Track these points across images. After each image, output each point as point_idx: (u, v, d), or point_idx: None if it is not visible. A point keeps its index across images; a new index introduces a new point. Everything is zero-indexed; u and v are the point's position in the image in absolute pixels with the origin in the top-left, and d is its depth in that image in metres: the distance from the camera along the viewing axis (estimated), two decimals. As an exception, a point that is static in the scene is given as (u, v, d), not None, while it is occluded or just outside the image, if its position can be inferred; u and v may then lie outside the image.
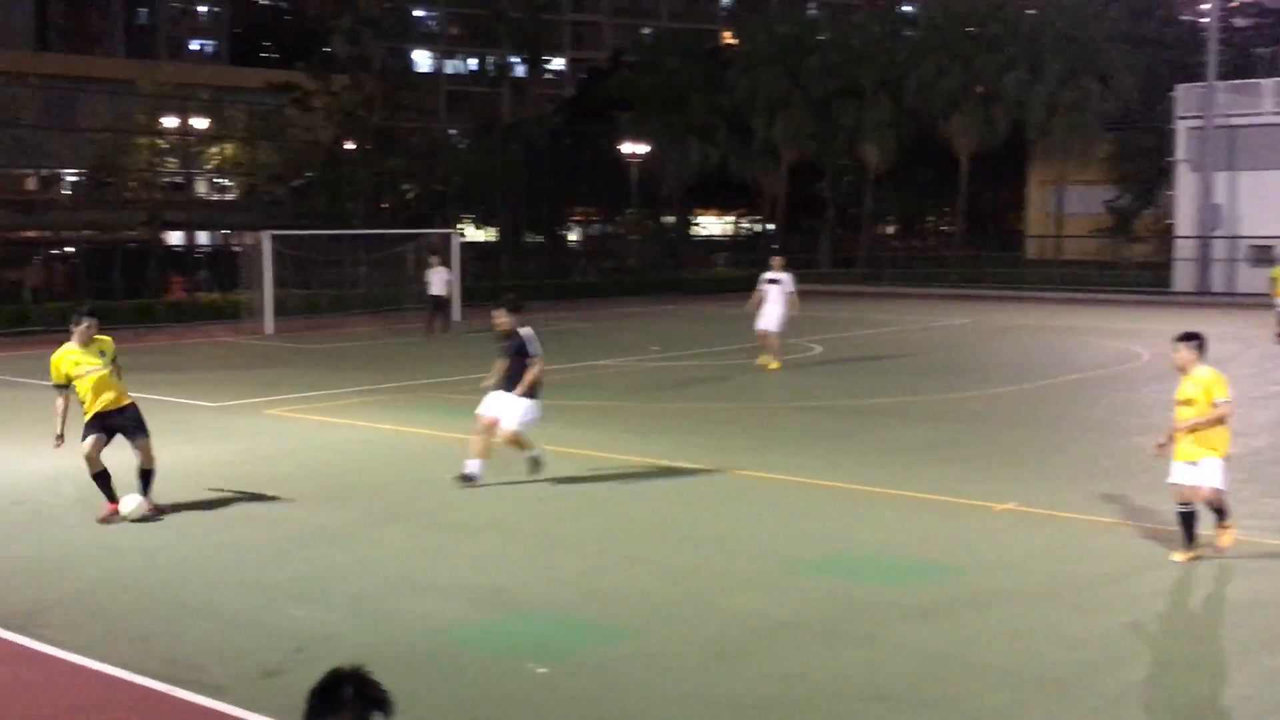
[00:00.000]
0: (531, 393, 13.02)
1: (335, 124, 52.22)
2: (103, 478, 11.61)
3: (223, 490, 12.98)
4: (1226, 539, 10.18)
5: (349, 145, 52.84)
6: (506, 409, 12.97)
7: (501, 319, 13.20)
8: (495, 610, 9.08)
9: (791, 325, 24.25)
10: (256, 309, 34.45)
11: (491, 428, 13.06)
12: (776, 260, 24.01)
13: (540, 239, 62.37)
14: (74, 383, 11.60)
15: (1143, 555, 10.45)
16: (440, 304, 31.68)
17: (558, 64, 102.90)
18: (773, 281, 23.49)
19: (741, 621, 8.73)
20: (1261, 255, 47.64)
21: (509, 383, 13.03)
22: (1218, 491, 9.95)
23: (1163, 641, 8.45)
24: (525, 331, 13.16)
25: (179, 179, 61.44)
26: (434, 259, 32.59)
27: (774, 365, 23.16)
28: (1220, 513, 10.15)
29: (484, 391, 13.39)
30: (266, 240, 34.31)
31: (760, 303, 23.48)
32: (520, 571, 10.03)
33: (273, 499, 12.64)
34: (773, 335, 23.36)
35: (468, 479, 13.00)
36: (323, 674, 3.52)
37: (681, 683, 7.64)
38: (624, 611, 9.02)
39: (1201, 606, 9.06)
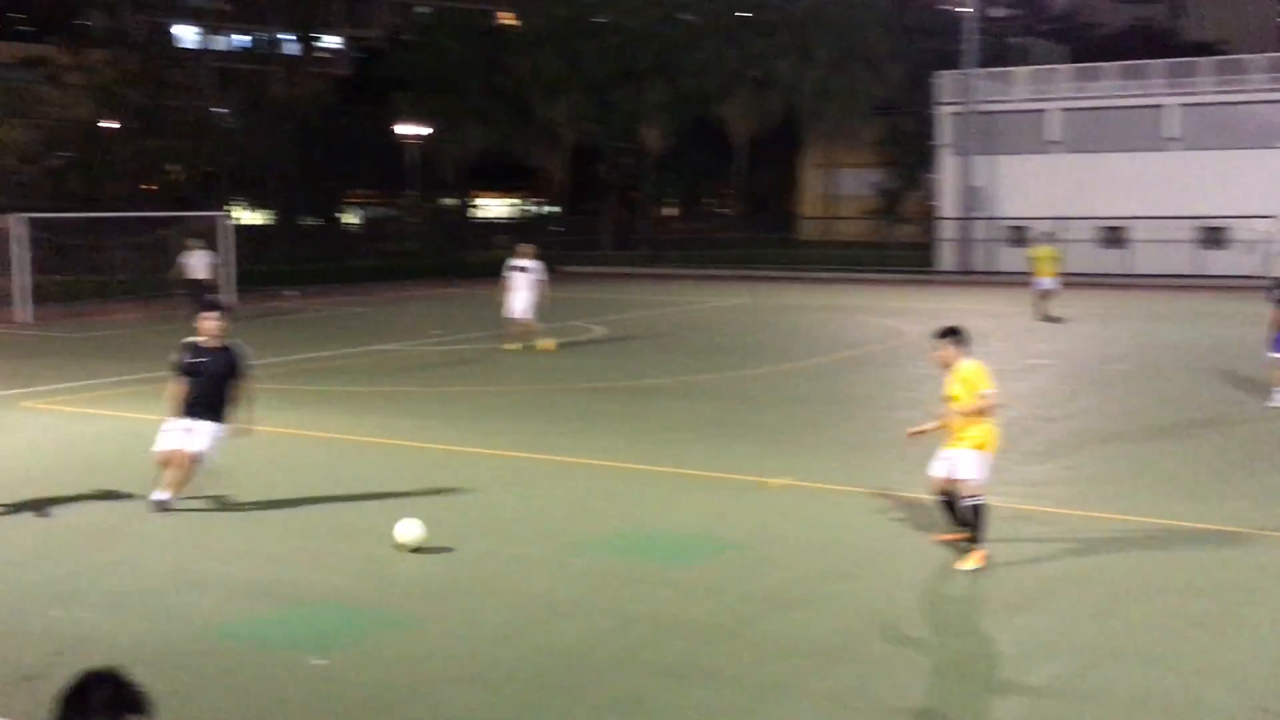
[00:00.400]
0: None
1: (93, 101, 49.73)
2: None
3: (-26, 488, 12.25)
4: (969, 562, 9.42)
5: (109, 124, 50.41)
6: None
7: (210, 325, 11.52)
8: (271, 603, 8.85)
9: (551, 310, 24.48)
10: (12, 297, 32.60)
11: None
12: (524, 248, 24.23)
13: (317, 222, 60.84)
14: None
15: (909, 526, 10.90)
16: (204, 288, 30.50)
17: (332, 42, 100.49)
18: (520, 269, 23.67)
19: (524, 603, 8.74)
20: (1019, 236, 50.24)
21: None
22: (968, 484, 9.52)
23: (926, 606, 8.83)
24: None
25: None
26: (193, 241, 31.34)
27: (548, 346, 23.32)
28: (968, 525, 9.59)
29: None
30: (18, 224, 32.48)
31: (507, 290, 23.63)
32: (297, 562, 9.80)
33: (32, 496, 11.99)
34: (520, 322, 23.50)
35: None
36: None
37: (463, 667, 7.60)
38: (405, 599, 8.91)
39: (958, 570, 9.49)
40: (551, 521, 11.07)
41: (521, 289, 23.59)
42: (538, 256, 24.15)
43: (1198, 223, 46.04)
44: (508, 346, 23.50)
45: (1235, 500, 11.73)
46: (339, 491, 12.25)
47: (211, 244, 32.31)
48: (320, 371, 21.15)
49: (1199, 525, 10.77)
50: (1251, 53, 55.53)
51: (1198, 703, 6.99)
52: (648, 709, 7.02)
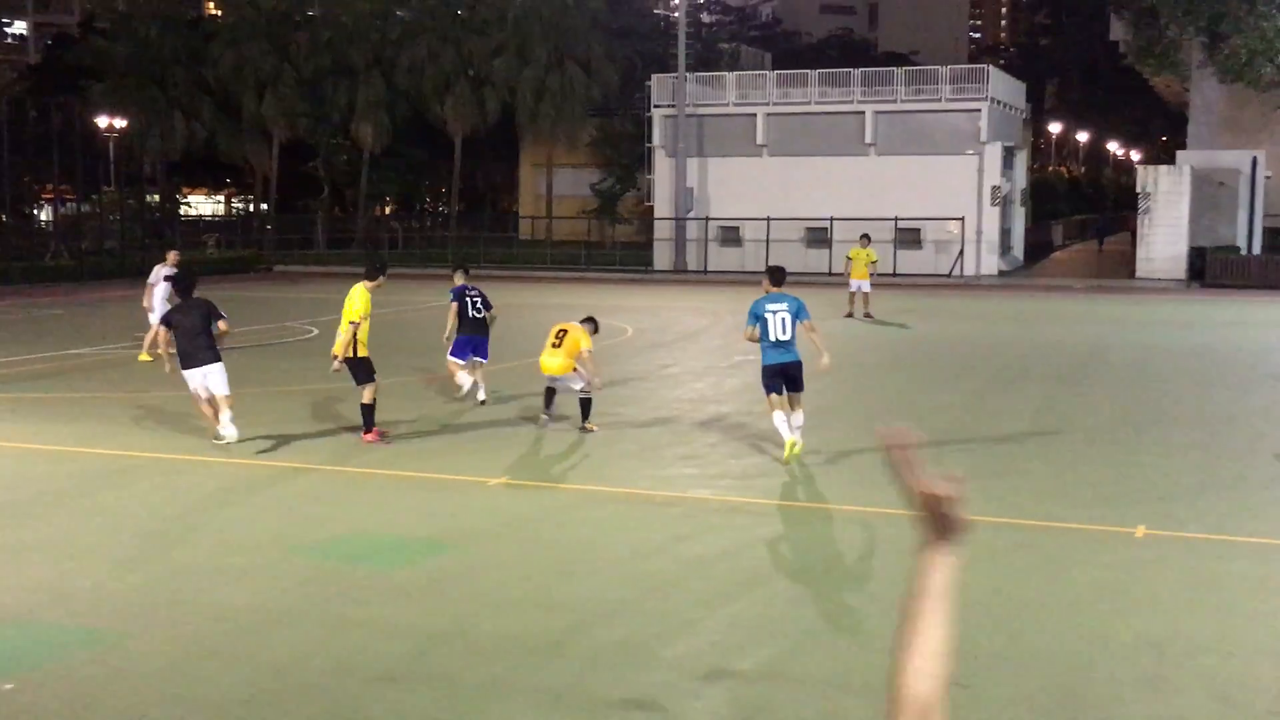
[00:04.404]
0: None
1: None
2: None
3: None
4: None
5: None
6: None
7: None
8: (-48, 627, 8.26)
9: (266, 309, 23.70)
10: None
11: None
12: (173, 254, 23.31)
13: (4, 218, 56.95)
14: None
15: (621, 518, 11.13)
16: None
17: (19, 28, 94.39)
18: (169, 278, 22.18)
19: (233, 615, 8.46)
20: (733, 236, 51.84)
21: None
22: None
23: (641, 599, 9.02)
24: None
25: None
26: None
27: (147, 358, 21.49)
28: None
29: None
30: None
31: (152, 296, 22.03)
32: (-18, 582, 9.18)
33: None
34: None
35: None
36: None
37: (164, 685, 7.29)
38: (101, 615, 8.48)
39: (671, 563, 9.75)
40: (263, 528, 10.74)
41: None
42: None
43: (894, 224, 48.63)
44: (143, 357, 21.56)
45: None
46: (30, 504, 11.53)
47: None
48: (12, 378, 19.84)
49: (880, 510, 11.39)
50: (938, 64, 59.09)
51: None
52: (366, 717, 6.92)
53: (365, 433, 14.46)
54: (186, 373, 14.02)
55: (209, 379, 14.01)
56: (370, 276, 15.15)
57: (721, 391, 18.54)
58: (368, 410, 14.42)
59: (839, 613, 8.58)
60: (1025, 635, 8.13)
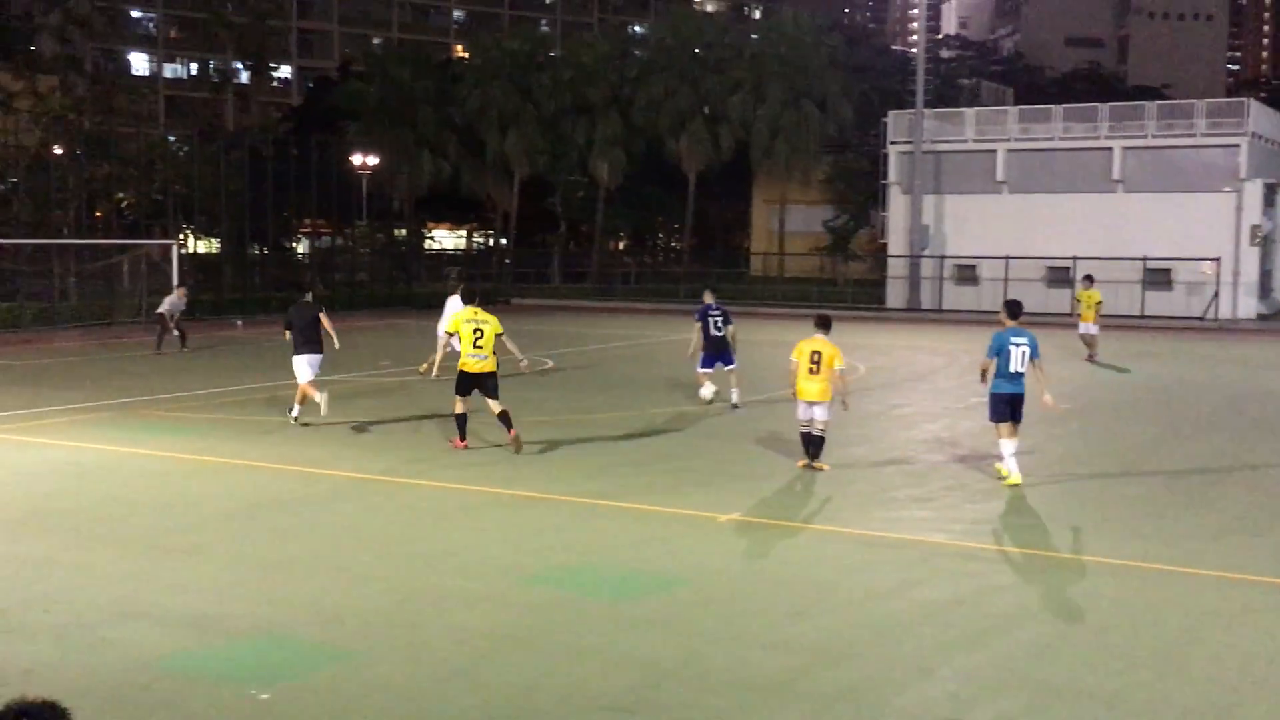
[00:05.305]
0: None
1: (42, 127, 49.22)
2: None
3: (-90, 518, 12.04)
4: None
5: (57, 150, 49.90)
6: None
7: None
8: (215, 636, 8.74)
9: (511, 340, 24.29)
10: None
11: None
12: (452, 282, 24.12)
13: (265, 251, 60.52)
14: None
15: (853, 559, 10.95)
16: (165, 319, 30.47)
17: (284, 72, 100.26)
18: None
19: (469, 638, 8.68)
20: (968, 275, 50.76)
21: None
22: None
23: (873, 643, 8.85)
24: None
25: None
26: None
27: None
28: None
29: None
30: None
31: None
32: (241, 594, 9.69)
33: (-32, 526, 11.80)
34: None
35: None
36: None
37: (410, 703, 7.53)
38: (349, 632, 8.83)
39: (905, 607, 9.54)
40: (496, 554, 11.01)
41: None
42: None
43: (1141, 264, 46.73)
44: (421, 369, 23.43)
45: (1184, 541, 11.86)
46: (281, 522, 12.14)
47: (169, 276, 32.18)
48: (270, 401, 20.96)
49: (1142, 564, 10.88)
50: (1193, 98, 56.59)
51: (1140, 740, 7.04)
52: (595, 745, 6.98)
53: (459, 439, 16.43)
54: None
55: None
56: (466, 300, 17.01)
57: (956, 434, 18.11)
58: (461, 420, 16.43)
59: (1083, 669, 8.22)
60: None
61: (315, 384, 18.42)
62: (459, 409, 16.24)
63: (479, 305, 16.40)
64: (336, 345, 19.08)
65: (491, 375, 16.02)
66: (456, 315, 16.43)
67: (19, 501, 12.99)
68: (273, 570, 10.42)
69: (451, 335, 16.41)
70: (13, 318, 36.00)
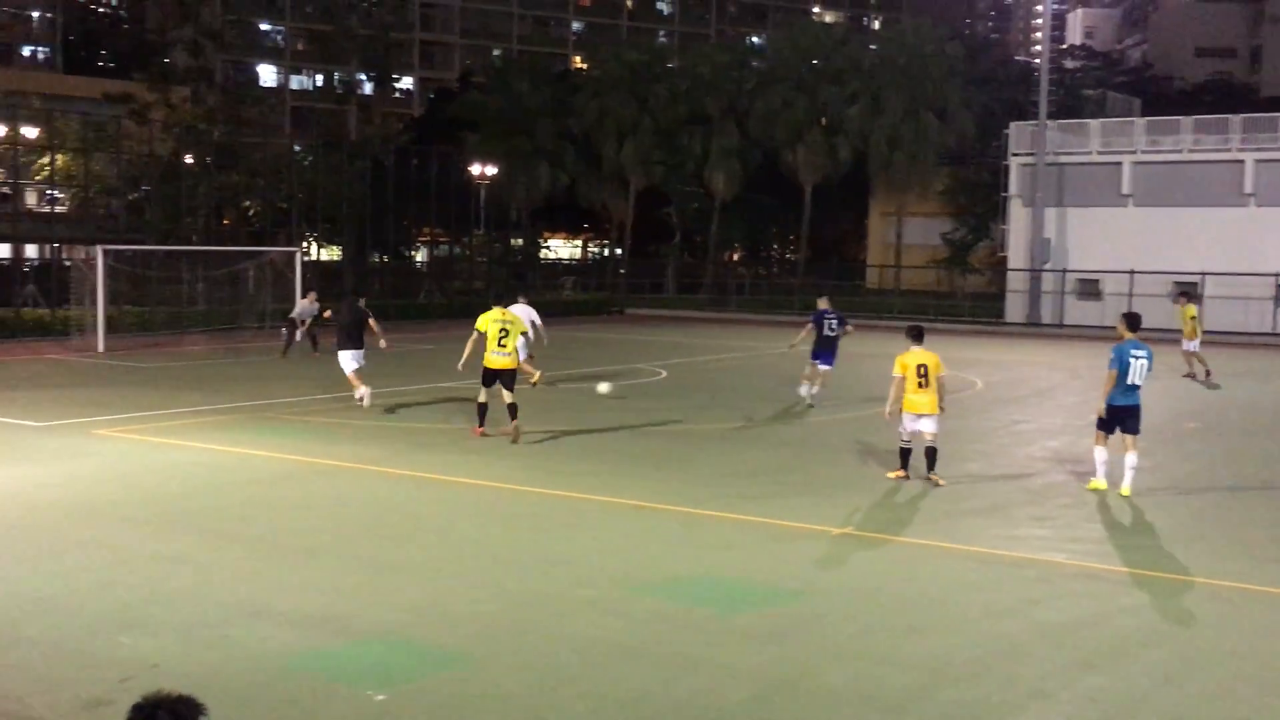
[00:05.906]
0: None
1: (174, 137, 50.75)
2: None
3: (47, 513, 12.47)
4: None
5: (188, 159, 51.43)
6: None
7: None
8: (333, 636, 8.90)
9: (617, 352, 24.44)
10: (87, 325, 33.27)
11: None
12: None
13: (385, 259, 61.65)
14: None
15: (970, 577, 10.76)
16: (295, 324, 31.18)
17: (406, 83, 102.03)
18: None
19: (581, 646, 8.72)
20: (1091, 289, 49.69)
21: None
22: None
23: (992, 662, 8.69)
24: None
25: (5, 189, 58.97)
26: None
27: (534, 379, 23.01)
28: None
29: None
30: (99, 255, 33.17)
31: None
32: (358, 596, 9.85)
33: (100, 523, 12.18)
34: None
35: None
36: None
37: (522, 709, 7.58)
38: (464, 636, 8.92)
39: (1024, 627, 9.35)
40: (608, 563, 11.05)
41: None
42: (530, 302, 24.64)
43: (1274, 280, 45.30)
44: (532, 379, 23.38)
45: (1311, 564, 11.45)
46: (400, 527, 12.33)
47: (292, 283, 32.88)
48: (390, 409, 21.32)
49: (1274, 590, 10.53)
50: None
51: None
52: (706, 757, 6.95)
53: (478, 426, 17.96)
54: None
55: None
56: (498, 302, 18.45)
57: (1076, 451, 17.70)
58: (483, 409, 18.01)
59: (1211, 697, 7.97)
60: None
61: (360, 376, 20.56)
62: (482, 398, 17.95)
63: (504, 306, 18.34)
64: (382, 345, 21.08)
65: (511, 372, 17.77)
66: (486, 315, 17.91)
67: (151, 502, 13.37)
68: (391, 573, 10.59)
69: (481, 334, 17.79)
70: (143, 322, 37.12)
